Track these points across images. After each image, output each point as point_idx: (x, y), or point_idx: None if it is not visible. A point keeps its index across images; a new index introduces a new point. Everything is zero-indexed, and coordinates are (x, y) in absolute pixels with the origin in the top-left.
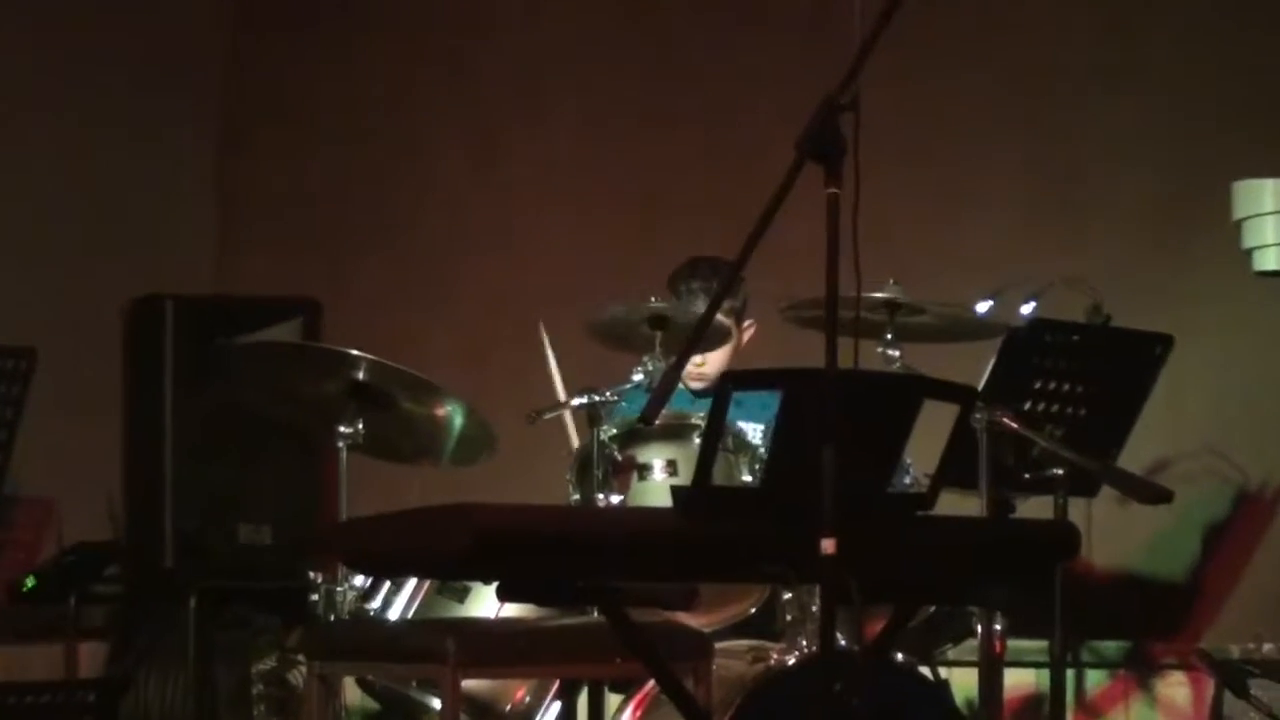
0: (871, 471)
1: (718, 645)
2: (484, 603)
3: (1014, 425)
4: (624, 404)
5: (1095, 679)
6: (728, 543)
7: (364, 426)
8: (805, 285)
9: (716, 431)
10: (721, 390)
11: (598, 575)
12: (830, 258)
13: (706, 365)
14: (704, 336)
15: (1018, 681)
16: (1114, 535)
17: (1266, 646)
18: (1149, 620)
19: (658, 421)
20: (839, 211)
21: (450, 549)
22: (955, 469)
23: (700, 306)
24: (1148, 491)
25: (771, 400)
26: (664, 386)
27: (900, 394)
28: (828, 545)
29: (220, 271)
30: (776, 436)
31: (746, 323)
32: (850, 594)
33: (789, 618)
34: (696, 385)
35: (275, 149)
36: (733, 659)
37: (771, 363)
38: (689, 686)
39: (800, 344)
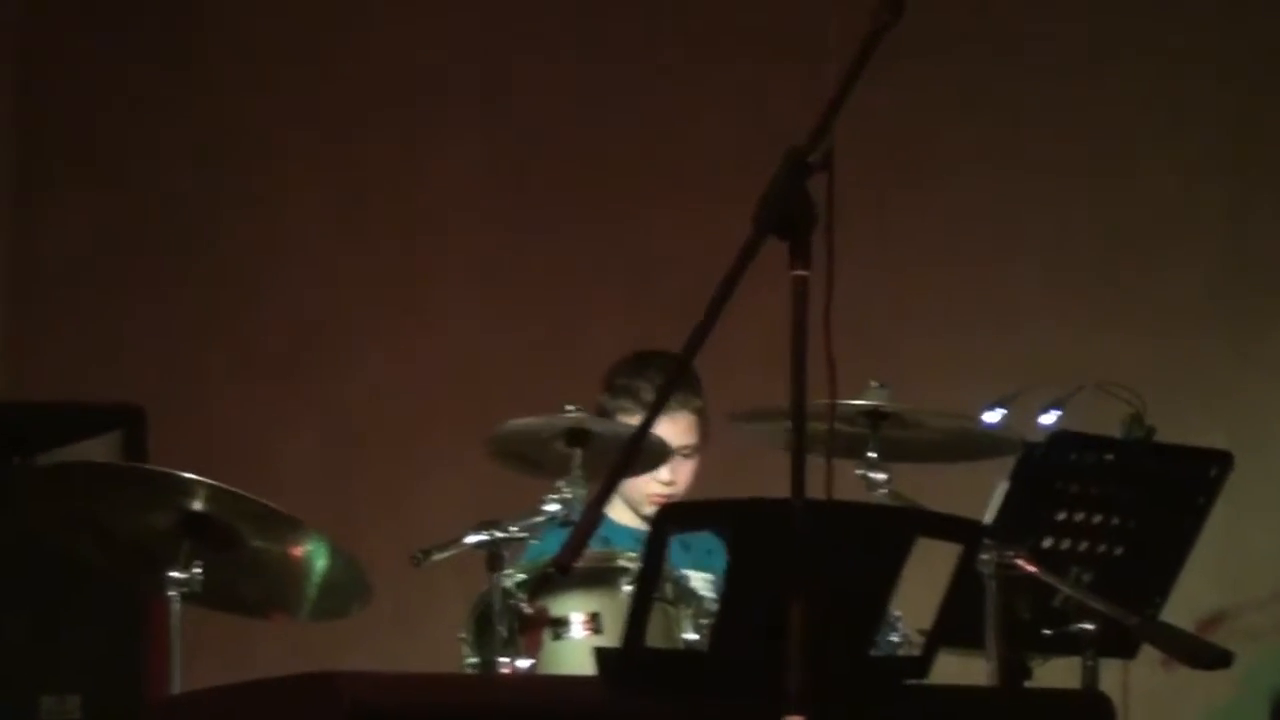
0: (850, 631)
1: None
2: None
3: (1030, 568)
4: (534, 542)
5: None
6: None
7: (202, 570)
8: (763, 389)
9: (652, 579)
10: (656, 529)
11: None
12: (796, 356)
13: (680, 481)
14: (640, 452)
15: None
16: (1159, 707)
17: None
18: None
19: (577, 564)
20: (807, 299)
21: None
22: (956, 624)
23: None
24: (1200, 653)
25: (721, 542)
26: (585, 523)
27: (887, 532)
28: None
29: (10, 370)
30: (728, 586)
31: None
32: None
33: None
34: (651, 512)
35: (80, 204)
36: None
37: (722, 487)
38: None
39: (759, 464)
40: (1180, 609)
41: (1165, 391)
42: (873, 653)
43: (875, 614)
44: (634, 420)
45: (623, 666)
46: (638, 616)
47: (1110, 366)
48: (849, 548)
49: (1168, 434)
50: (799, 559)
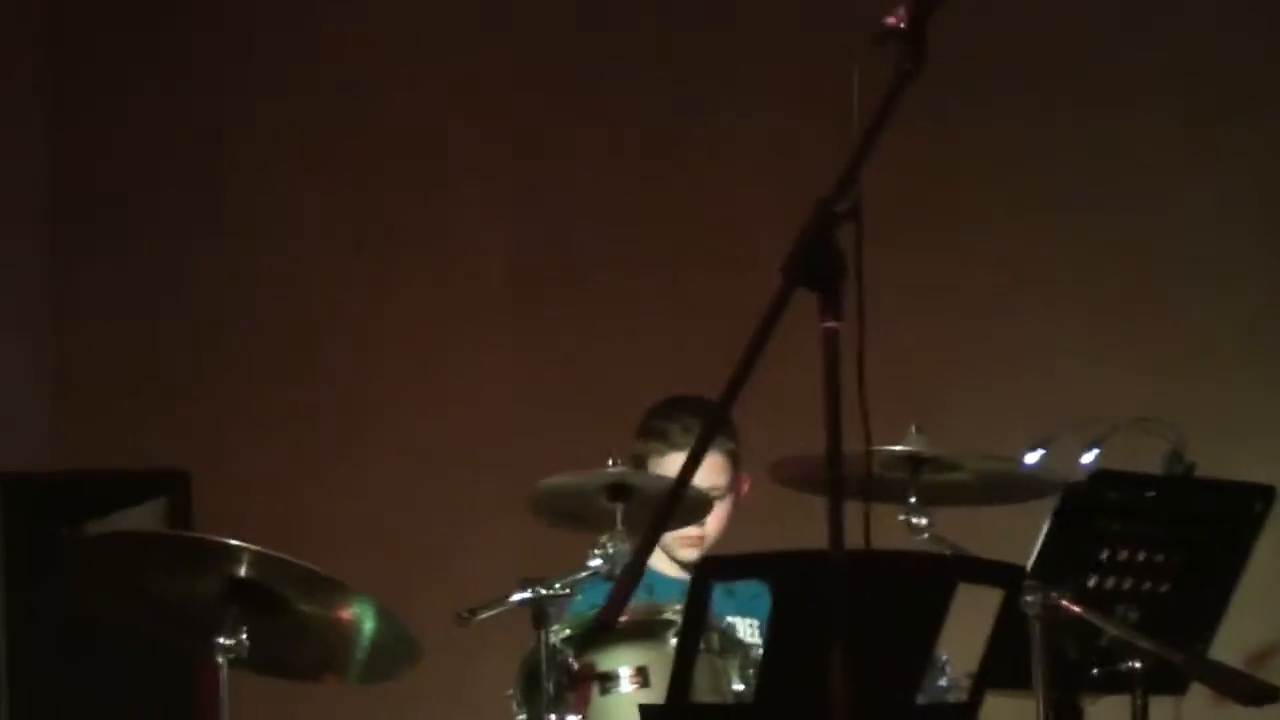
0: (895, 678)
1: None
2: None
3: (1075, 609)
4: (579, 598)
5: None
6: None
7: (248, 636)
8: (803, 434)
9: (695, 633)
10: (698, 581)
11: None
12: (830, 407)
13: (709, 525)
14: (683, 504)
15: None
16: None
17: None
18: None
19: (622, 619)
20: (838, 350)
21: None
22: (1003, 666)
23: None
24: (1249, 689)
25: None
26: (626, 579)
27: (928, 579)
28: None
29: (57, 439)
30: (771, 637)
31: (744, 474)
32: None
33: None
34: (689, 555)
35: (116, 263)
36: None
37: (762, 533)
38: None
39: (798, 509)
40: (1229, 645)
41: (1206, 428)
42: (919, 700)
43: (919, 662)
44: (664, 462)
45: None
46: (681, 671)
47: (1150, 404)
48: (890, 596)
49: (1210, 470)
50: (838, 610)
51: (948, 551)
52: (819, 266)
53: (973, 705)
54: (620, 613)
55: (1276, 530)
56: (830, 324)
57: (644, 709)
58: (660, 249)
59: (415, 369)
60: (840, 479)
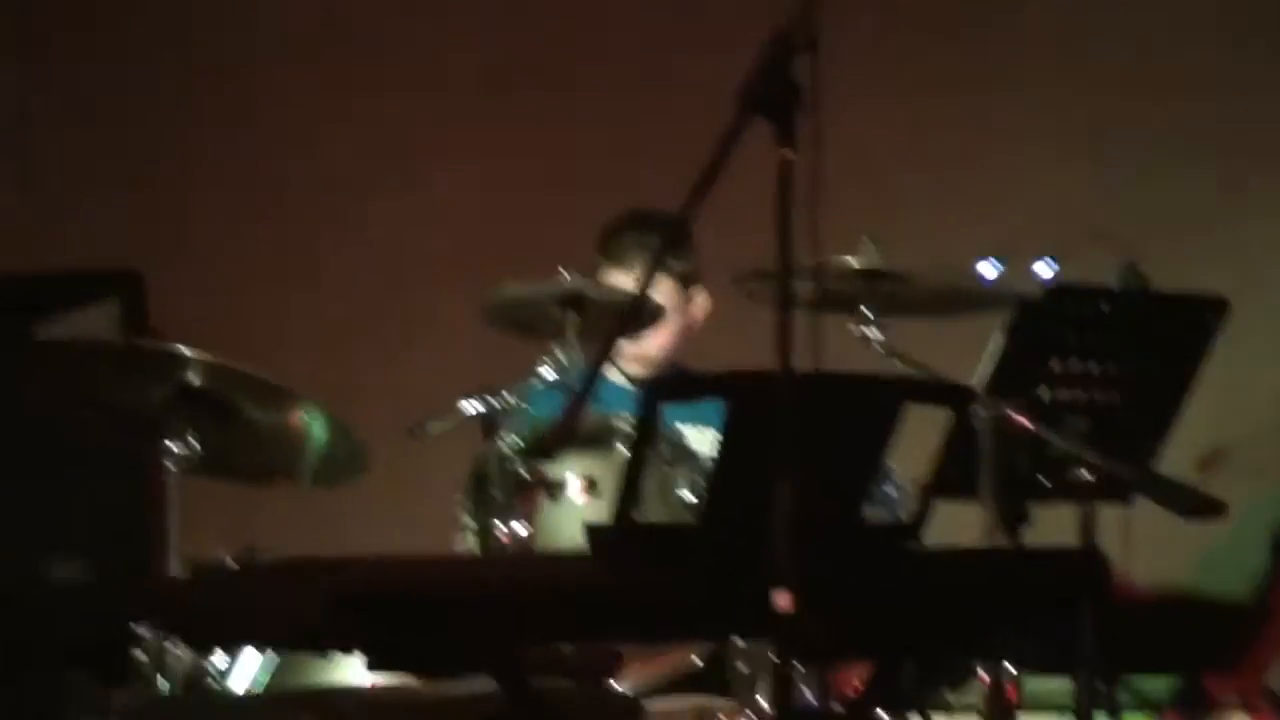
0: (840, 499)
1: (653, 707)
2: (355, 665)
3: (1025, 422)
4: (530, 408)
5: None
6: (657, 596)
7: (199, 441)
8: (765, 246)
9: (642, 455)
10: (646, 402)
11: (491, 639)
12: (781, 236)
13: (648, 345)
14: (637, 314)
15: None
16: (1159, 546)
17: None
18: (1203, 651)
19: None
20: (791, 179)
21: (300, 619)
22: (952, 476)
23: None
24: (1192, 503)
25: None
26: (574, 407)
27: (875, 400)
28: (782, 601)
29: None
30: (720, 459)
31: (697, 294)
32: (813, 651)
33: (742, 670)
34: (634, 371)
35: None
36: None
37: (727, 349)
38: None
39: (764, 324)
40: (1181, 447)
41: (1161, 233)
42: (864, 519)
43: (865, 482)
44: (619, 276)
45: (614, 545)
46: (628, 494)
47: (1105, 204)
48: (837, 417)
49: (1164, 277)
50: (784, 431)
51: (899, 364)
52: (774, 95)
53: (918, 523)
54: (566, 441)
55: (1230, 333)
56: (785, 153)
57: (589, 528)
58: (630, 59)
59: (378, 178)
60: (791, 303)
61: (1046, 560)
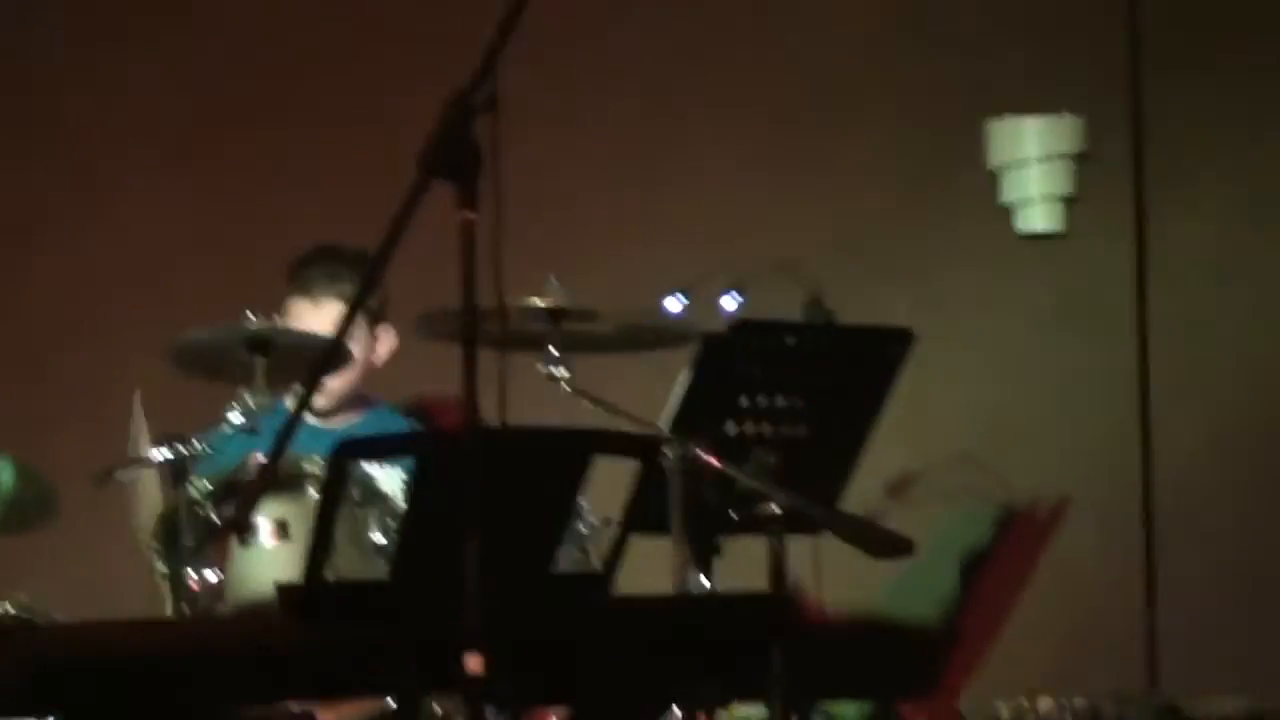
0: (531, 553)
1: None
2: None
3: (712, 461)
4: (217, 454)
5: None
6: (349, 654)
7: None
8: (453, 282)
9: (330, 514)
10: (336, 463)
11: (189, 703)
12: (466, 294)
13: (332, 381)
14: (331, 360)
15: None
16: (850, 571)
17: (1044, 704)
18: (896, 676)
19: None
20: (474, 240)
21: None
22: (643, 514)
23: (332, 305)
24: (881, 544)
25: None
26: (260, 481)
27: (563, 454)
28: (473, 663)
29: None
30: (409, 515)
31: (383, 332)
32: (505, 701)
33: (436, 712)
34: (319, 405)
35: None
36: None
37: (415, 379)
38: None
39: (449, 363)
40: (871, 473)
41: (847, 270)
42: (554, 571)
43: (555, 536)
44: (305, 307)
45: (303, 601)
46: (318, 551)
47: (793, 247)
48: (525, 473)
49: (851, 298)
50: (470, 491)
51: (586, 403)
52: (454, 159)
53: (608, 574)
54: (249, 517)
55: (917, 359)
56: (468, 214)
57: (280, 589)
58: (326, 98)
59: (77, 208)
60: (475, 361)
61: (736, 605)
